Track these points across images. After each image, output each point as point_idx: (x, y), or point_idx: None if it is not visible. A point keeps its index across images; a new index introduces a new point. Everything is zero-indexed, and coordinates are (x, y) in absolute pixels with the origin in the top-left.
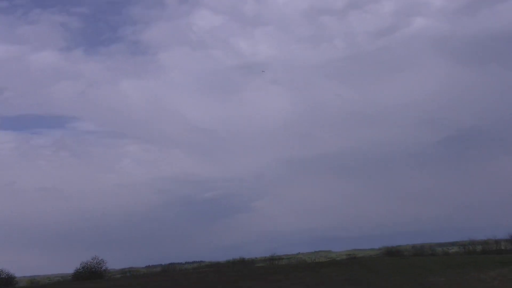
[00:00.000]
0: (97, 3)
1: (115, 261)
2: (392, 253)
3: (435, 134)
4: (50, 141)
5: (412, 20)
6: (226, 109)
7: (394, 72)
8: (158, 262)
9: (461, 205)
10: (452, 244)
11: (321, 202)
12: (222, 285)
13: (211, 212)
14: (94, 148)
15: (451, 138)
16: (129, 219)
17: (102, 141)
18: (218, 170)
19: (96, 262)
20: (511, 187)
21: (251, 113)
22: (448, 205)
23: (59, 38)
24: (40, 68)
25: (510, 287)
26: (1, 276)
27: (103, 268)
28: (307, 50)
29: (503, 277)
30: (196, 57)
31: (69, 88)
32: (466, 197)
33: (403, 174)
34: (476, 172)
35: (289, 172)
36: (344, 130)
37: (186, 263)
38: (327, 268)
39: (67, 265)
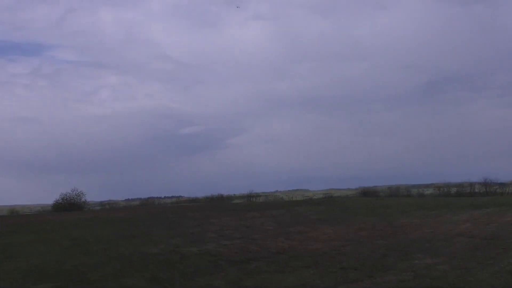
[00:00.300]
0: None
1: (94, 194)
2: (368, 194)
3: (414, 77)
4: (28, 69)
5: None
6: (206, 43)
7: (377, 9)
8: (137, 196)
9: (438, 149)
10: (427, 186)
11: (300, 140)
12: (196, 220)
13: (189, 148)
14: (72, 78)
15: (430, 82)
16: (108, 151)
17: (81, 71)
18: (196, 105)
19: (76, 193)
20: (488, 133)
21: (231, 48)
22: (425, 149)
23: None
24: None
25: (481, 229)
26: None
27: (83, 199)
28: None
29: (475, 219)
30: None
31: (47, 14)
32: (443, 142)
33: (381, 116)
34: (454, 117)
35: (268, 109)
36: (324, 68)
37: (165, 197)
38: (302, 206)
39: (46, 196)
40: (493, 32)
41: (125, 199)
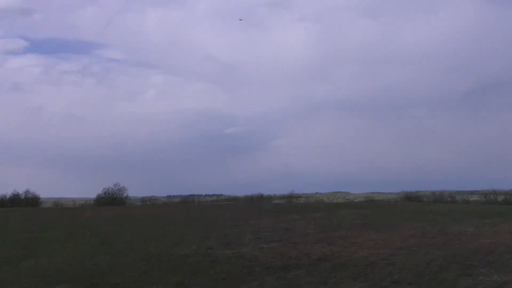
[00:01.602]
0: None
1: (136, 190)
2: (411, 198)
3: (460, 81)
4: (77, 67)
5: None
6: (251, 45)
7: (427, 14)
8: (178, 193)
9: (483, 155)
10: (472, 193)
11: (342, 144)
12: (234, 220)
13: (231, 148)
14: (119, 77)
15: (477, 86)
16: (152, 149)
17: (128, 70)
18: (240, 106)
19: (118, 188)
20: None
21: (276, 50)
22: (469, 155)
23: None
24: None
25: None
26: (28, 196)
27: (124, 195)
28: None
29: None
30: None
31: (97, 14)
32: (488, 148)
33: (426, 120)
34: (501, 122)
35: (310, 112)
36: (369, 73)
37: (205, 195)
38: (344, 209)
39: (90, 190)
40: None
41: (167, 196)
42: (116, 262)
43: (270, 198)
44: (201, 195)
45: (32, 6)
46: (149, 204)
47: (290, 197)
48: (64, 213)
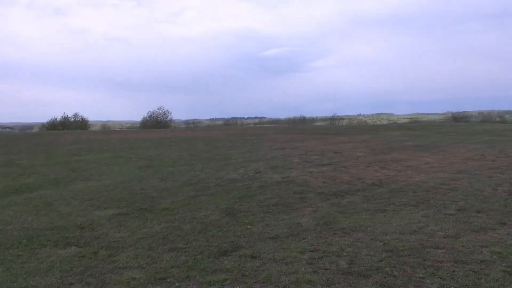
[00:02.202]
0: None
1: (180, 113)
2: (458, 119)
3: None
4: None
5: None
6: None
7: None
8: (221, 116)
9: None
10: None
11: (386, 62)
12: (279, 142)
13: (273, 70)
14: None
15: None
16: (193, 72)
17: None
18: (281, 25)
19: (162, 112)
20: None
21: None
22: None
23: None
24: None
25: None
26: (77, 119)
27: (168, 118)
28: None
29: None
30: None
31: None
32: None
33: (478, 36)
34: None
35: (354, 30)
36: None
37: (248, 118)
38: (393, 131)
39: (135, 113)
40: None
41: (210, 119)
42: (163, 186)
43: (312, 120)
44: (243, 118)
45: None
46: (193, 127)
47: (332, 119)
48: (112, 136)
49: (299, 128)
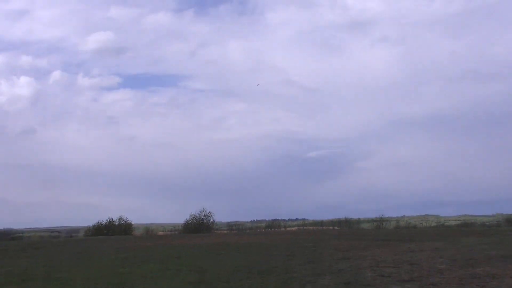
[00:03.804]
0: None
1: (221, 215)
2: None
3: None
4: (164, 99)
5: None
6: (330, 68)
7: None
8: (262, 218)
9: None
10: None
11: (429, 163)
12: (340, 250)
13: (314, 171)
14: (203, 106)
15: None
16: (235, 174)
17: (211, 100)
18: (321, 129)
19: (204, 214)
20: None
21: (356, 71)
22: None
23: (171, 0)
24: (154, 29)
25: None
26: (121, 222)
27: (211, 220)
28: (419, 4)
29: None
30: (302, 16)
31: (181, 48)
32: None
33: None
34: None
35: (394, 132)
36: (457, 89)
37: (289, 220)
38: (465, 236)
39: (177, 216)
40: None
41: (251, 221)
42: None
43: (357, 221)
44: (284, 220)
45: (124, 45)
46: (237, 230)
47: (379, 221)
48: (157, 242)
49: (356, 233)
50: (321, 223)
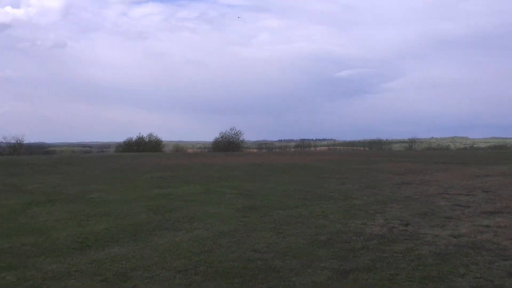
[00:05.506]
0: None
1: (249, 133)
2: None
3: None
4: (194, 13)
5: None
6: None
7: None
8: (290, 137)
9: None
10: None
11: (462, 84)
12: (396, 173)
13: (344, 91)
14: (234, 22)
15: None
16: (265, 93)
17: (241, 15)
18: (356, 47)
19: (234, 132)
20: None
21: None
22: None
23: None
24: None
25: None
26: (151, 139)
27: (240, 139)
28: None
29: None
30: None
31: None
32: None
33: None
34: None
35: (430, 51)
36: (499, 3)
37: (316, 140)
38: None
39: (206, 134)
40: None
41: (278, 140)
42: (284, 246)
43: (389, 142)
44: (311, 140)
45: None
46: (279, 151)
47: (411, 142)
48: (191, 160)
49: (407, 155)
50: (351, 143)
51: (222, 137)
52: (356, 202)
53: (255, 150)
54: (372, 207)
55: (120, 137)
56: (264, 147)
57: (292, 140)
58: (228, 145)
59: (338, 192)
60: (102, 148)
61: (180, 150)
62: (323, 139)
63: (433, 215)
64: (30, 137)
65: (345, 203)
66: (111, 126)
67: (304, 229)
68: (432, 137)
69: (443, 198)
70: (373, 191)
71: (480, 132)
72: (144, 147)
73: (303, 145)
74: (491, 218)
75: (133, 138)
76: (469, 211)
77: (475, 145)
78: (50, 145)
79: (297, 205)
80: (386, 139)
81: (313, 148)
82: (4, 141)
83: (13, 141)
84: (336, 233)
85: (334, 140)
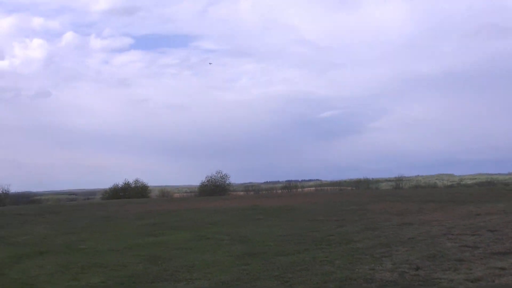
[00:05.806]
0: None
1: (235, 176)
2: None
3: None
4: (175, 60)
5: None
6: (342, 25)
7: None
8: (276, 179)
9: None
10: None
11: (442, 122)
12: (393, 214)
13: (328, 132)
14: (214, 67)
15: None
16: (247, 135)
17: (222, 60)
18: (334, 88)
19: (220, 176)
20: None
21: (368, 28)
22: None
23: None
24: None
25: None
26: (137, 185)
27: (227, 182)
28: None
29: None
30: None
31: (191, 6)
32: None
33: None
34: None
35: (409, 90)
36: (474, 44)
37: (302, 180)
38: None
39: (192, 178)
40: None
41: (264, 182)
42: None
43: (375, 181)
44: (297, 181)
45: (134, 4)
46: (254, 191)
47: (398, 180)
48: (180, 205)
49: (397, 194)
50: (338, 183)
51: (208, 180)
52: (359, 245)
53: (242, 193)
54: (377, 251)
55: (105, 184)
56: (251, 189)
57: (278, 182)
58: (214, 188)
59: (337, 235)
60: (88, 195)
61: (166, 195)
62: (309, 180)
63: (442, 257)
64: (15, 187)
65: (347, 246)
66: (96, 173)
67: (310, 276)
68: (418, 175)
69: (448, 239)
70: (374, 233)
71: (464, 168)
72: (130, 193)
73: (290, 187)
74: (504, 259)
75: (119, 184)
76: (479, 252)
77: (462, 182)
78: (35, 194)
79: (298, 250)
80: (372, 178)
81: (300, 189)
82: None
83: None
84: (345, 280)
85: (320, 180)
